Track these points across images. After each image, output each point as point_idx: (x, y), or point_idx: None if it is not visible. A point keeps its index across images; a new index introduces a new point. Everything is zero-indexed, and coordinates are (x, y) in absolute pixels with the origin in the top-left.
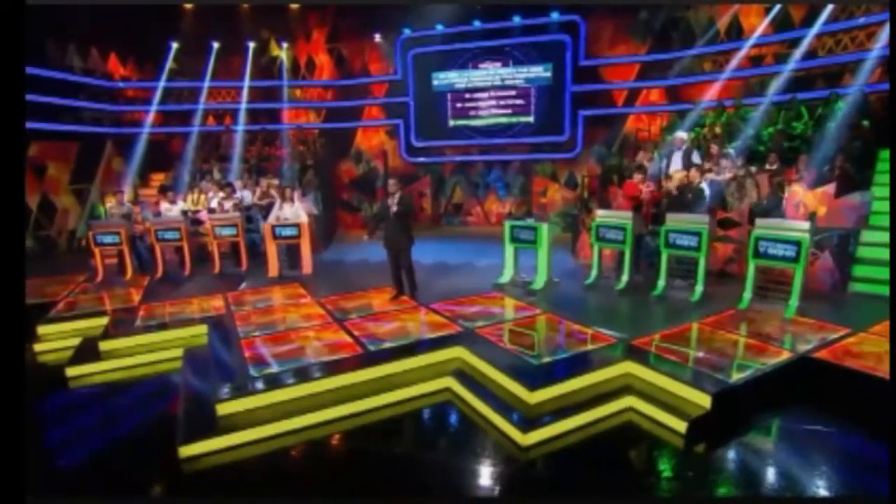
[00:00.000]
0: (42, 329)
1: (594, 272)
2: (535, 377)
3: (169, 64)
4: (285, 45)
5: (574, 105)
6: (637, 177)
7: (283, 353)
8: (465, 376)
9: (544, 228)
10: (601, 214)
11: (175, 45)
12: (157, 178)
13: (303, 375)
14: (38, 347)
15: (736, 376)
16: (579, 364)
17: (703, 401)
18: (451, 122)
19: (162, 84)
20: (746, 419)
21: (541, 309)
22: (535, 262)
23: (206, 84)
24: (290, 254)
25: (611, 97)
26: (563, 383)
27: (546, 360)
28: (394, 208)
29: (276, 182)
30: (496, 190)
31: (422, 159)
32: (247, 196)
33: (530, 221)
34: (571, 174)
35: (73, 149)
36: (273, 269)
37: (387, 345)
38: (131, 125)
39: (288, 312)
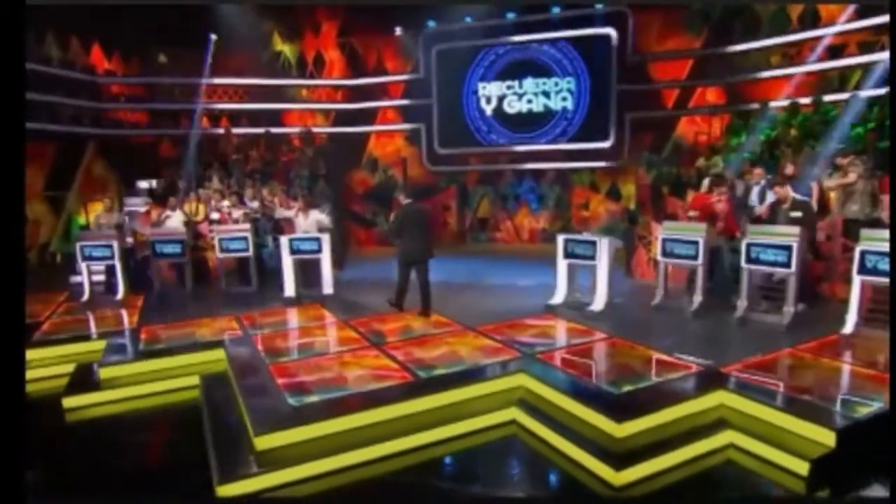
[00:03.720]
0: (29, 354)
1: (660, 292)
2: (619, 408)
3: (160, 58)
4: (292, 38)
5: (620, 107)
6: (718, 190)
7: (322, 381)
8: (532, 407)
9: (604, 243)
10: (668, 227)
11: (167, 37)
12: (144, 187)
13: (350, 405)
14: (26, 374)
15: (861, 411)
16: (666, 394)
17: (826, 438)
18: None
19: (152, 80)
20: (879, 460)
21: (606, 333)
22: (593, 280)
23: (203, 81)
24: (306, 271)
25: (660, 98)
26: (653, 415)
27: (627, 388)
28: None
29: (282, 190)
30: (528, 202)
31: (445, 168)
32: (254, 206)
33: (588, 235)
34: (614, 184)
35: (48, 150)
36: (289, 287)
37: (438, 371)
38: (115, 125)
39: (315, 336)
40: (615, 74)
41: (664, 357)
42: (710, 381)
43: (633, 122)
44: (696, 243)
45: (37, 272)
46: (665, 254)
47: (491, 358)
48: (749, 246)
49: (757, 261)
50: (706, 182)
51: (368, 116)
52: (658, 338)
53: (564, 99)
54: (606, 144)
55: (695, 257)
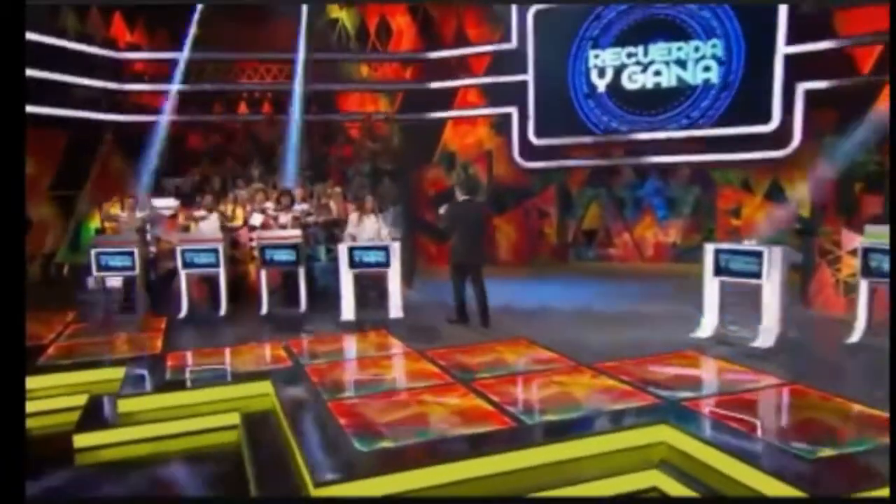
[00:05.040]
0: (31, 382)
1: (861, 325)
2: (818, 479)
3: (192, 29)
4: (351, 3)
5: (788, 76)
6: None
7: (397, 422)
8: (680, 470)
9: (776, 254)
10: (873, 233)
11: (200, 5)
12: (170, 186)
13: (435, 454)
14: (27, 407)
15: None
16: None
17: None
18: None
19: (183, 56)
20: None
21: (779, 378)
22: (756, 306)
23: (242, 57)
24: (368, 289)
25: (851, 61)
26: (875, 492)
27: (825, 453)
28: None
29: (337, 190)
30: (654, 209)
31: (543, 164)
32: (305, 208)
33: (751, 244)
34: (777, 183)
35: (59, 141)
36: (348, 309)
37: (548, 417)
38: (138, 111)
39: (384, 368)
40: (783, 32)
41: (878, 413)
42: None
43: (808, 96)
44: None
45: (40, 286)
46: (869, 272)
47: (618, 403)
48: None
49: None
50: None
51: (444, 99)
52: (863, 387)
53: (707, 69)
54: (768, 128)
55: None
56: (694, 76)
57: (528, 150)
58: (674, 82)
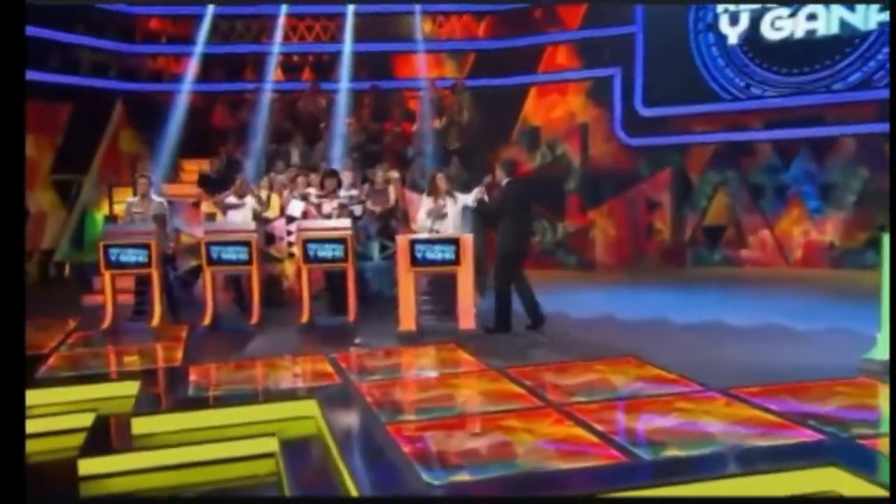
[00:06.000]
0: (30, 396)
1: None
2: None
3: None
4: None
5: None
6: None
7: (474, 452)
8: None
9: None
10: None
11: None
12: (191, 170)
13: (526, 491)
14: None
15: None
16: None
17: None
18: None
19: (207, 12)
20: None
21: None
22: None
23: (282, 12)
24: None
25: None
26: None
27: None
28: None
29: (395, 175)
30: (802, 198)
31: (653, 141)
32: (354, 194)
33: None
34: None
35: (62, 114)
36: (408, 318)
37: (671, 452)
38: (153, 80)
39: (454, 387)
40: None
41: None
42: None
43: None
44: None
45: (37, 288)
46: None
47: (766, 439)
48: None
49: None
50: None
51: (527, 60)
52: None
53: (883, 9)
54: None
55: None
56: (865, 20)
57: (635, 124)
58: (834, 29)
